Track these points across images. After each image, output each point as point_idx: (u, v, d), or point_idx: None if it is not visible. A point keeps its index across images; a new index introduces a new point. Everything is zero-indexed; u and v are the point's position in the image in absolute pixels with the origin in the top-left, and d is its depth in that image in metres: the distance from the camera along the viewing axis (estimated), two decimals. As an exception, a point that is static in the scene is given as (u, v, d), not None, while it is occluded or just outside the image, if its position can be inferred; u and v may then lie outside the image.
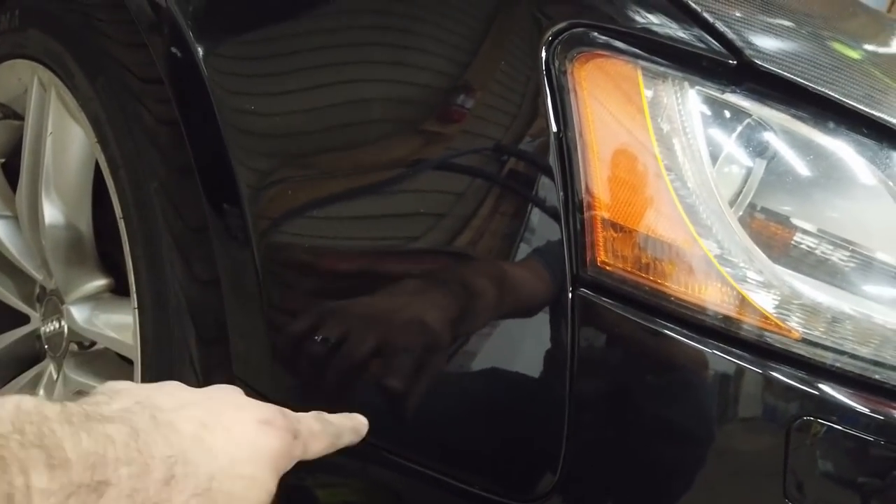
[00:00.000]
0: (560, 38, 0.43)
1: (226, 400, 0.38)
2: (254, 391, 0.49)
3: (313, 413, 0.41)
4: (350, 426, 0.43)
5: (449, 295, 0.46)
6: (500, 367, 0.45)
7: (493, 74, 0.44)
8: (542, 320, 0.42)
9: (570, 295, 0.41)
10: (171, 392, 0.37)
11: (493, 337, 0.45)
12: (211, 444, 0.35)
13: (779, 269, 0.42)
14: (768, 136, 0.44)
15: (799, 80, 0.43)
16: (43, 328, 0.79)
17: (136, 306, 0.60)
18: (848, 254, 0.44)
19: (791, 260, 0.43)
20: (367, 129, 0.50)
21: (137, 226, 0.59)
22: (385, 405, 0.47)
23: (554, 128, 0.42)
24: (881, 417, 0.41)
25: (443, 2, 0.49)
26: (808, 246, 0.44)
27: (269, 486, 0.36)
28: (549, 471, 0.43)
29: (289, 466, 0.38)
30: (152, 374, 0.58)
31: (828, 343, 0.41)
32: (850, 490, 0.43)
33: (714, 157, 0.43)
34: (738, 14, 0.45)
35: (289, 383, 0.53)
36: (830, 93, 0.43)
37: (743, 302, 0.41)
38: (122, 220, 0.61)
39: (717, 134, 0.43)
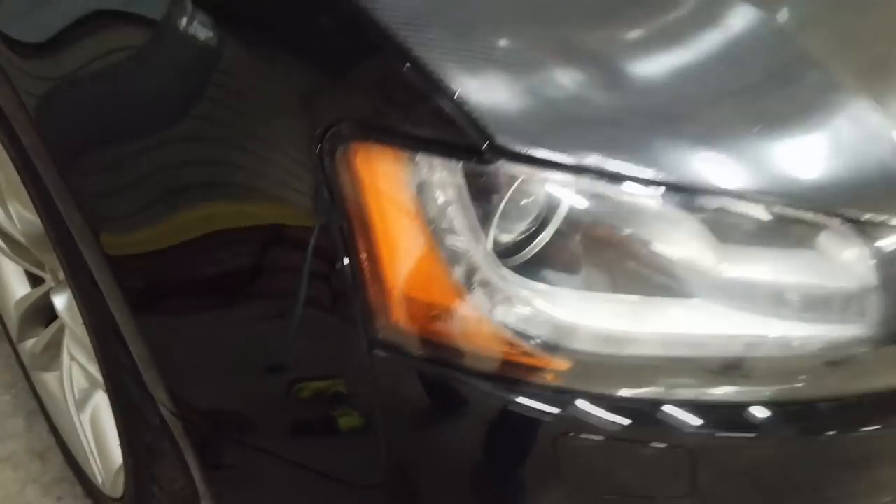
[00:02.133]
0: (329, 133, 0.47)
1: None
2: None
3: None
4: None
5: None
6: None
7: (282, 176, 0.50)
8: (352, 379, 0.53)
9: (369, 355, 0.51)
10: None
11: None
12: None
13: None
14: (535, 200, 0.48)
15: (547, 154, 0.45)
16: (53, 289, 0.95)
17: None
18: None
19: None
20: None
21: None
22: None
23: (335, 215, 0.48)
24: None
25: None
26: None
27: None
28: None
29: None
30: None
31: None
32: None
33: (484, 225, 0.48)
34: (499, 95, 0.47)
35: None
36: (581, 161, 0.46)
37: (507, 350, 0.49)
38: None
39: (485, 204, 0.48)
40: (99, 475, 0.91)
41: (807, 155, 0.52)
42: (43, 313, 1.00)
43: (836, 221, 0.50)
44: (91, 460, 0.92)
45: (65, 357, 0.95)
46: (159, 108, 0.57)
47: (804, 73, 0.54)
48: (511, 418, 0.51)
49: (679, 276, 0.51)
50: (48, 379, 1.00)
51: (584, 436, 0.51)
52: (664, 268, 0.51)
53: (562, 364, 0.50)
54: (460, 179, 0.47)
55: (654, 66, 0.52)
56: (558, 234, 0.49)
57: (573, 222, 0.49)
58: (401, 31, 0.46)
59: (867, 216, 0.51)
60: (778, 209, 0.50)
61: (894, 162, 0.52)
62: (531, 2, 0.54)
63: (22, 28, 0.64)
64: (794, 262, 0.54)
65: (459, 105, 0.45)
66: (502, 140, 0.45)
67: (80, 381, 0.94)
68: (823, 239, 0.51)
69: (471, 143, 0.46)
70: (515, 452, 0.52)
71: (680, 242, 0.51)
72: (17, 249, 1.00)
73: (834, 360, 0.54)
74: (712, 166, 0.49)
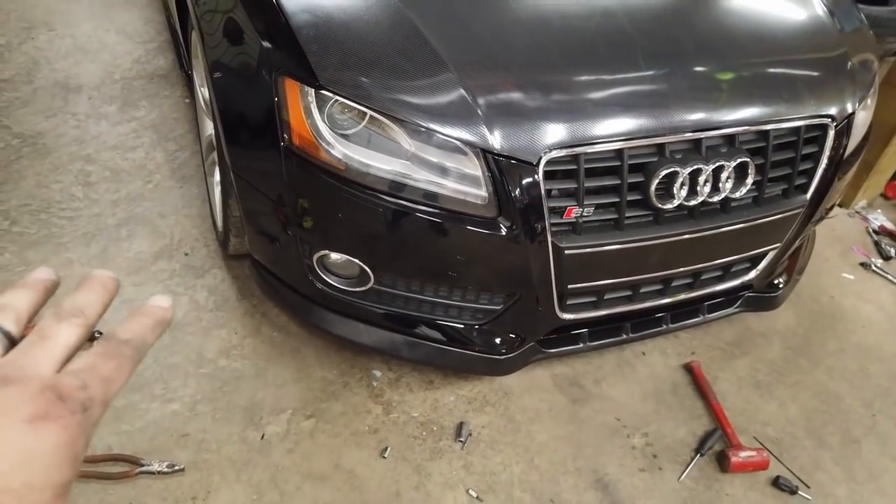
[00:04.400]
0: (276, 73, 1.44)
1: None
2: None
3: (101, 345, 0.40)
4: (151, 323, 0.42)
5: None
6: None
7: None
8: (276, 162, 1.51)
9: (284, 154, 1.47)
10: None
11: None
12: None
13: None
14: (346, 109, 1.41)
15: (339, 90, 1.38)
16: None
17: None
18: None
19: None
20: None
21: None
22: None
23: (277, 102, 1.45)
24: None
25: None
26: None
27: (59, 479, 0.34)
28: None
29: (87, 442, 0.36)
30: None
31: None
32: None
33: (321, 114, 1.42)
34: (327, 65, 1.40)
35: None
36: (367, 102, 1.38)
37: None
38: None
39: (322, 106, 1.41)
40: (218, 219, 2.00)
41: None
42: (212, 145, 2.10)
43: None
44: (217, 212, 2.01)
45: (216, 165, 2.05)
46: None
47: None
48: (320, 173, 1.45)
49: (396, 147, 1.41)
50: (210, 179, 2.11)
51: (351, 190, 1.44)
52: (397, 143, 1.41)
53: (343, 168, 1.43)
54: (313, 96, 1.41)
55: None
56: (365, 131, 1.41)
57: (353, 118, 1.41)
58: (301, 34, 1.41)
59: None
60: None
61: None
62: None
63: None
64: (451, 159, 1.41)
65: (314, 68, 1.39)
66: (324, 82, 1.38)
67: (218, 175, 2.03)
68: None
69: (315, 82, 1.39)
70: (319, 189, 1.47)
71: (396, 136, 1.41)
72: (206, 111, 2.10)
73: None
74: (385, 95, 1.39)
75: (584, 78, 1.53)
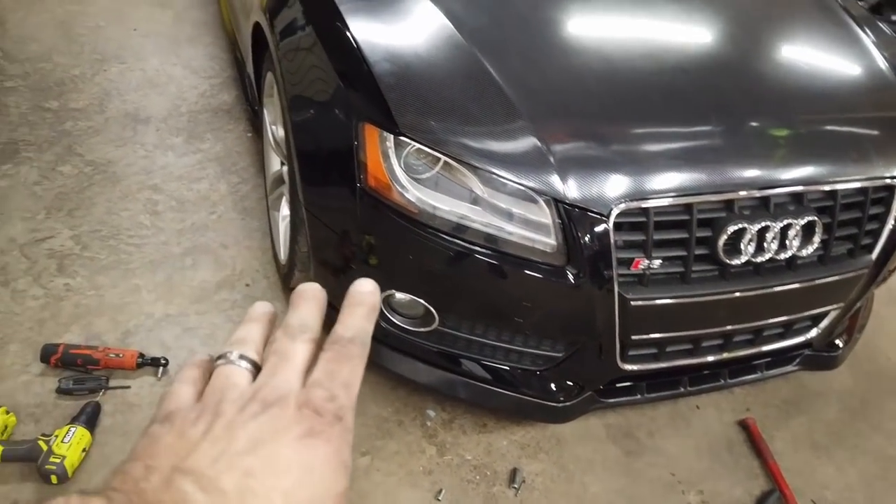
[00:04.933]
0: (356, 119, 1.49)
1: (259, 432, 0.36)
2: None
3: (331, 349, 0.41)
4: (365, 312, 0.44)
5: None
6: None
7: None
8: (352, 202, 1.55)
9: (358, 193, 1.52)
10: (200, 446, 0.36)
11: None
12: (260, 489, 0.34)
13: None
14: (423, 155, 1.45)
15: (422, 143, 1.42)
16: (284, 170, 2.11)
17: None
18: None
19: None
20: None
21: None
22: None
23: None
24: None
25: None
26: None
27: (338, 489, 0.37)
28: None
29: (349, 448, 0.38)
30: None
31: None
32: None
33: (398, 158, 1.46)
34: (414, 103, 1.44)
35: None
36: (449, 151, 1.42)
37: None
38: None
39: (400, 151, 1.46)
40: (281, 252, 2.06)
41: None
42: (279, 181, 2.16)
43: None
44: (280, 245, 2.07)
45: (284, 200, 2.11)
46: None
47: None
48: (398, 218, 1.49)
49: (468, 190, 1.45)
50: (274, 213, 2.18)
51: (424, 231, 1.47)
52: (470, 190, 1.45)
53: (416, 211, 1.47)
54: (392, 142, 1.46)
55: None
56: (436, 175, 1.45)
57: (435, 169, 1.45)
58: (383, 83, 1.47)
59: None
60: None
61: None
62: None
63: None
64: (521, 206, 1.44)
65: (394, 116, 1.44)
66: (403, 129, 1.43)
67: (284, 210, 2.08)
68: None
69: (395, 129, 1.44)
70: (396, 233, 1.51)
71: (469, 182, 1.45)
72: (277, 149, 2.17)
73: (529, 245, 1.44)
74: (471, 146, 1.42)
75: (656, 131, 1.56)
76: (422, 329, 1.62)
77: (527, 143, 1.47)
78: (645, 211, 1.45)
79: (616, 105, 1.60)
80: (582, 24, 1.88)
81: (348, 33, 1.60)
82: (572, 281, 1.46)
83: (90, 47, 3.31)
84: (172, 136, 2.77)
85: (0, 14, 3.46)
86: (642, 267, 1.49)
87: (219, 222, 2.37)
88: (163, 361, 1.78)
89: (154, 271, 2.12)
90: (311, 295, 0.46)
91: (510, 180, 1.43)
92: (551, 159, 1.44)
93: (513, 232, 1.46)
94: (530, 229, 1.46)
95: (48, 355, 1.73)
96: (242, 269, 2.19)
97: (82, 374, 1.71)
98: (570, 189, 1.42)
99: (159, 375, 1.77)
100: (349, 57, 1.57)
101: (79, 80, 3.03)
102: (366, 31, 1.61)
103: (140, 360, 1.77)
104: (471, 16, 1.74)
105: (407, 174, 1.48)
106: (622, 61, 1.72)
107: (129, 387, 1.73)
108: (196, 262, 2.19)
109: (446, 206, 1.47)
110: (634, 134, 1.55)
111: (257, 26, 2.07)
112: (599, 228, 1.43)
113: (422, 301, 1.58)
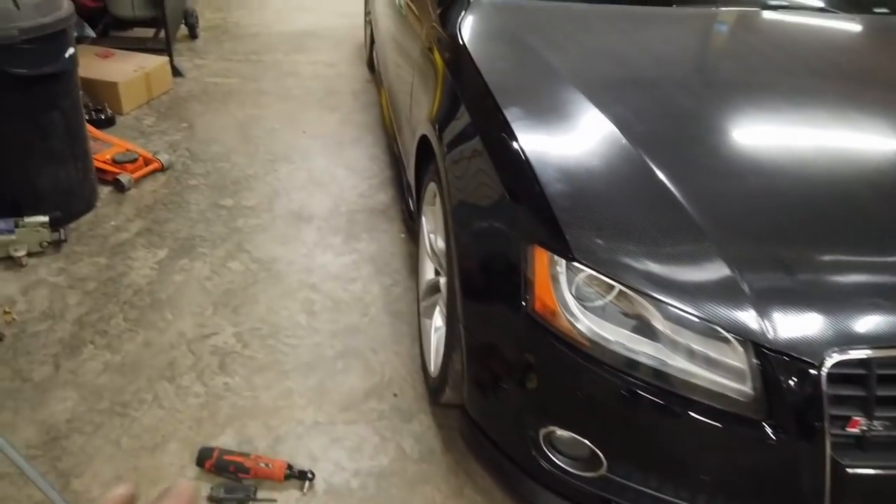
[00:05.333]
0: (524, 241, 1.41)
1: None
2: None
3: None
4: None
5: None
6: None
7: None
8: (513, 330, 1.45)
9: (526, 318, 1.42)
10: None
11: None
12: None
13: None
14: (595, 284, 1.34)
15: (596, 270, 1.31)
16: (439, 280, 2.07)
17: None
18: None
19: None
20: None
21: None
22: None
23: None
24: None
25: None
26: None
27: None
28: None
29: None
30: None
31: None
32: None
33: (570, 287, 1.35)
34: (588, 230, 1.34)
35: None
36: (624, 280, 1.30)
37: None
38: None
39: (571, 277, 1.35)
40: (430, 364, 1.98)
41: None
42: (433, 289, 2.12)
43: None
44: (430, 356, 2.00)
45: (437, 310, 2.06)
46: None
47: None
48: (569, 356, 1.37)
49: (648, 327, 1.31)
50: (425, 321, 2.13)
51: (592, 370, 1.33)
52: (648, 323, 1.31)
53: (587, 344, 1.34)
54: (564, 267, 1.36)
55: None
56: (606, 304, 1.33)
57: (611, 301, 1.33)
58: (560, 215, 1.38)
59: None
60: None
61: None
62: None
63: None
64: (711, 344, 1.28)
65: (568, 241, 1.34)
66: (577, 255, 1.33)
67: (437, 321, 2.03)
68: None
69: (568, 254, 1.34)
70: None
71: (648, 315, 1.31)
72: (433, 257, 2.15)
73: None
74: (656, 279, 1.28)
75: (875, 261, 1.34)
76: (586, 474, 1.45)
77: (716, 270, 1.31)
78: (866, 362, 1.23)
79: (822, 227, 1.40)
80: (766, 129, 1.72)
81: (517, 146, 1.56)
82: (771, 437, 1.25)
83: (264, 148, 3.57)
84: (332, 235, 2.86)
85: (191, 118, 3.86)
86: (861, 427, 1.25)
87: (370, 325, 2.36)
88: (309, 476, 1.73)
89: (307, 374, 2.13)
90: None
91: (698, 317, 1.27)
92: (747, 291, 1.27)
93: (698, 375, 1.29)
94: (720, 373, 1.28)
95: (203, 459, 1.73)
96: (391, 377, 2.14)
97: (233, 483, 1.70)
98: (772, 330, 1.23)
99: (304, 490, 1.72)
100: (519, 173, 1.52)
101: (252, 180, 3.25)
102: (535, 145, 1.56)
103: (288, 472, 1.73)
104: (641, 123, 1.64)
105: (578, 302, 1.36)
106: (821, 174, 1.53)
107: (275, 501, 1.69)
108: (347, 367, 2.17)
109: (620, 340, 1.33)
110: (849, 264, 1.34)
111: (423, 139, 2.09)
112: (807, 380, 1.22)
113: (586, 441, 1.42)
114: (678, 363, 1.30)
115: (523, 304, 1.41)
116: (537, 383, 1.47)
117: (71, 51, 2.55)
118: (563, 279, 1.37)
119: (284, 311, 2.39)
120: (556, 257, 1.37)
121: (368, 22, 4.63)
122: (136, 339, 2.20)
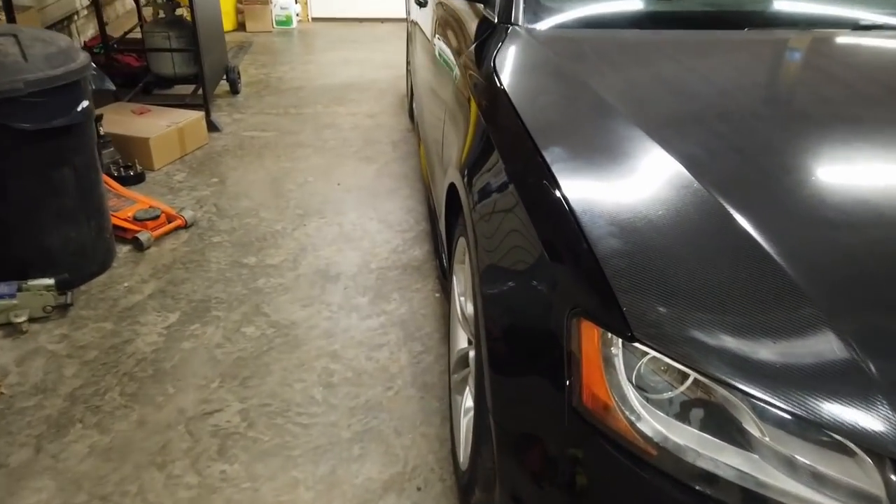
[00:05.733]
0: (570, 311, 1.09)
1: None
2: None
3: None
4: None
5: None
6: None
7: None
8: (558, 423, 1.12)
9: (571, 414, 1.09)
10: None
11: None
12: None
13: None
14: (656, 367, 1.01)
15: (660, 352, 0.98)
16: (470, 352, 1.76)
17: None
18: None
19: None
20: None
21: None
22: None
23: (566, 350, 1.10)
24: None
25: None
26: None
27: None
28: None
29: None
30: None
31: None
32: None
33: (628, 373, 1.03)
34: (649, 302, 1.02)
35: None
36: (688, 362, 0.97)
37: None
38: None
39: (630, 361, 1.03)
40: (461, 453, 1.65)
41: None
42: (465, 361, 1.81)
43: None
44: (461, 443, 1.67)
45: (468, 388, 1.74)
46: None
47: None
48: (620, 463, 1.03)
49: (736, 431, 0.96)
50: (456, 398, 1.81)
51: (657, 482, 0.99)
52: (737, 425, 0.97)
53: (653, 451, 1.00)
54: (620, 348, 1.04)
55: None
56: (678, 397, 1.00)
57: (682, 393, 1.00)
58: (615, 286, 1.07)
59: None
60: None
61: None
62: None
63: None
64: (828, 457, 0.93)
65: (626, 313, 1.02)
66: (639, 333, 1.00)
67: (468, 401, 1.70)
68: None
69: (626, 331, 1.02)
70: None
71: (738, 414, 0.96)
72: (465, 324, 1.84)
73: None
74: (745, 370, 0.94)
75: None
76: None
77: (831, 351, 0.96)
78: None
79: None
80: (860, 169, 1.37)
81: (559, 194, 1.26)
82: None
83: (295, 202, 3.37)
84: (359, 295, 2.59)
85: (222, 172, 3.71)
86: None
87: (395, 400, 2.05)
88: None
89: (317, 462, 1.82)
90: None
91: (804, 417, 0.92)
92: (876, 380, 0.92)
93: (808, 500, 0.93)
94: (839, 495, 0.92)
95: (182, 573, 1.44)
96: (415, 466, 1.82)
97: None
98: (919, 441, 0.87)
99: None
100: (561, 226, 1.21)
101: (279, 236, 3.04)
102: (582, 192, 1.25)
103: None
104: (716, 163, 1.32)
105: (638, 392, 1.03)
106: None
107: None
108: (364, 452, 1.86)
109: (697, 448, 0.98)
110: None
111: (452, 188, 1.82)
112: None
113: (656, 579, 1.06)
114: (779, 482, 0.94)
115: (566, 397, 1.09)
116: (585, 495, 1.13)
117: (85, 104, 2.41)
118: (619, 364, 1.04)
119: (298, 384, 2.11)
120: (609, 335, 1.05)
121: (409, 71, 4.48)
122: (130, 418, 1.94)
